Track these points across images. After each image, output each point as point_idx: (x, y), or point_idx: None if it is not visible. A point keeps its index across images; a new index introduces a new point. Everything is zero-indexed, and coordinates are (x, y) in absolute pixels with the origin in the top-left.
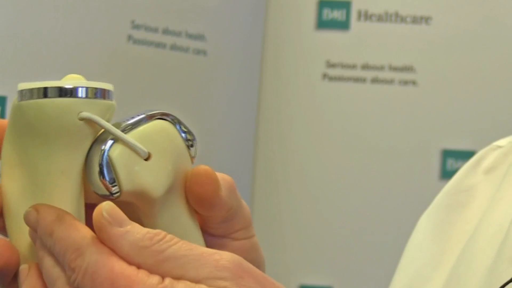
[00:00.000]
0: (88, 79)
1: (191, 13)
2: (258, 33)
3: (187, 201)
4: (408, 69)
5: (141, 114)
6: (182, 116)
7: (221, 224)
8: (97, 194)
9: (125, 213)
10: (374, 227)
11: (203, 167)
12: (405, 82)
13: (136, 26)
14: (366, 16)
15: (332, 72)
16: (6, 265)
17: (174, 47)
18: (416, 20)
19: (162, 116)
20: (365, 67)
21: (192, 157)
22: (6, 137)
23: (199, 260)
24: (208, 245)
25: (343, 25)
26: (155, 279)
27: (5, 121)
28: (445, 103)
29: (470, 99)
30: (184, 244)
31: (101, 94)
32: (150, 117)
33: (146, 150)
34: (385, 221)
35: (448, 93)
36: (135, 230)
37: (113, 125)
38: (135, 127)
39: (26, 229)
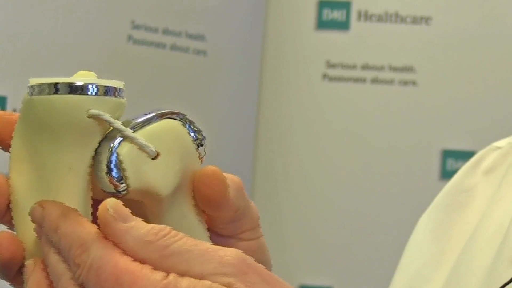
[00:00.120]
0: None
1: (191, 13)
2: (258, 33)
3: (195, 201)
4: (408, 69)
5: (151, 113)
6: None
7: (228, 224)
8: (105, 191)
9: (132, 211)
10: (374, 227)
11: (211, 168)
12: (405, 82)
13: (136, 26)
14: (366, 16)
15: (332, 72)
16: (11, 259)
17: (174, 47)
18: (416, 20)
19: (172, 115)
20: (365, 67)
21: (201, 157)
22: (16, 131)
23: (204, 255)
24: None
25: (343, 25)
26: (159, 274)
27: (16, 115)
28: (445, 103)
29: (470, 99)
30: (189, 239)
31: (111, 91)
32: (160, 116)
33: (154, 149)
34: (385, 221)
35: (448, 93)
36: (140, 226)
37: (123, 123)
38: (144, 126)
39: (32, 223)
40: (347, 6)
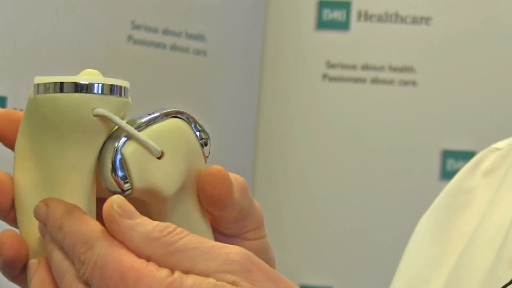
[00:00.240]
0: None
1: (191, 13)
2: (258, 33)
3: (199, 201)
4: (408, 69)
5: (156, 112)
6: None
7: (232, 224)
8: (109, 190)
9: (136, 210)
10: (374, 227)
11: (216, 167)
12: (405, 83)
13: (136, 26)
14: (366, 16)
15: (332, 72)
16: (15, 258)
17: (174, 47)
18: (416, 20)
19: (177, 115)
20: (365, 67)
21: (205, 156)
22: (21, 129)
23: (209, 253)
24: None
25: (343, 26)
26: (164, 272)
27: (20, 113)
28: (445, 103)
29: (470, 99)
30: (194, 237)
31: (116, 90)
32: (165, 115)
33: (159, 148)
34: (385, 222)
35: (448, 93)
36: (146, 222)
37: (128, 122)
38: (149, 125)
39: (36, 222)
40: (347, 6)
